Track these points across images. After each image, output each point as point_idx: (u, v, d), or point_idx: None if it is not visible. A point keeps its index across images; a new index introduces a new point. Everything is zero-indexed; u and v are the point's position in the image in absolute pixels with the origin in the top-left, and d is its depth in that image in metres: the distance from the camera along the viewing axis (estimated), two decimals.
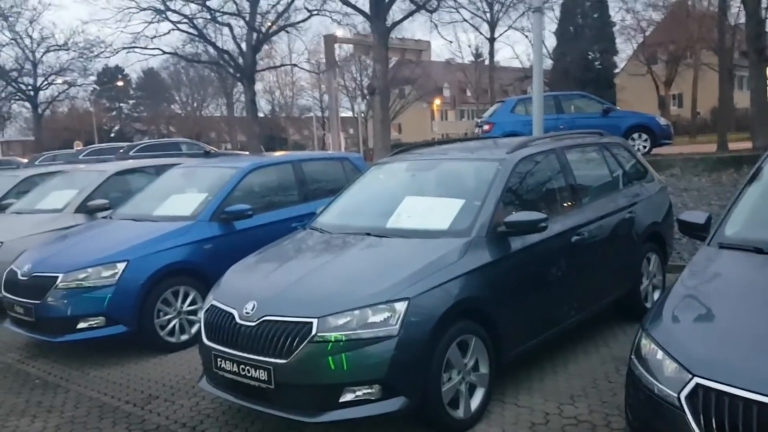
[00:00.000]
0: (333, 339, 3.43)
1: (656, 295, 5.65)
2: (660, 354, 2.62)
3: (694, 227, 3.56)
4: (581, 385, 4.30)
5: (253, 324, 3.65)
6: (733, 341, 2.53)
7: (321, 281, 3.91)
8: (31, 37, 36.62)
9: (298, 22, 25.25)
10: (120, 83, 56.88)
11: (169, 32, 24.35)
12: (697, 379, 2.41)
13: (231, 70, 25.57)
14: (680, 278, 3.14)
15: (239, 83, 30.39)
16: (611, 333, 5.30)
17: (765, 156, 3.75)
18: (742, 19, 22.02)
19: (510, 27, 36.38)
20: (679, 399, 2.43)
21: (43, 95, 40.04)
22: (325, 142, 45.81)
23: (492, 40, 35.65)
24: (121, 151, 18.14)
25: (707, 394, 2.36)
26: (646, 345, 2.73)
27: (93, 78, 47.73)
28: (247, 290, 3.95)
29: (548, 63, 35.48)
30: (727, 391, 2.31)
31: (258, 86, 34.37)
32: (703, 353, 2.51)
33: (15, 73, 37.24)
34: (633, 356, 2.80)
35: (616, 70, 42.59)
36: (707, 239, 3.42)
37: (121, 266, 5.40)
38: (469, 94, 55.36)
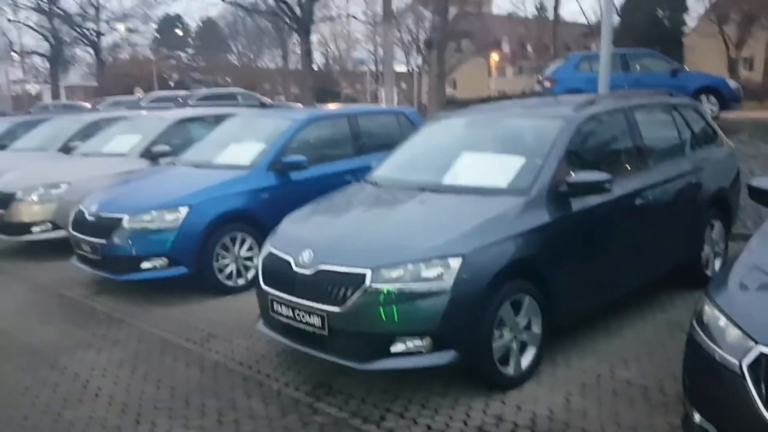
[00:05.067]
0: (385, 291, 3.46)
1: (717, 262, 5.47)
2: (723, 321, 2.56)
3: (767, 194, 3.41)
4: (635, 348, 4.25)
5: (308, 272, 3.72)
6: None
7: (376, 233, 3.94)
8: None
9: None
10: (179, 32, 57.45)
11: None
12: (761, 347, 2.35)
13: (288, 21, 25.40)
14: (749, 246, 3.02)
15: (294, 34, 30.27)
16: (668, 298, 5.17)
17: None
18: None
19: None
20: (740, 366, 2.38)
21: (105, 41, 41.01)
22: (378, 97, 45.42)
23: None
24: (180, 100, 18.66)
25: None
26: (709, 312, 2.67)
27: (154, 26, 48.42)
28: (304, 239, 4.01)
29: (615, 19, 34.03)
30: None
31: (312, 38, 34.20)
32: None
33: (79, 18, 38.18)
34: (694, 322, 2.74)
35: (686, 29, 40.59)
36: None
37: (184, 211, 5.57)
38: (529, 49, 53.67)
